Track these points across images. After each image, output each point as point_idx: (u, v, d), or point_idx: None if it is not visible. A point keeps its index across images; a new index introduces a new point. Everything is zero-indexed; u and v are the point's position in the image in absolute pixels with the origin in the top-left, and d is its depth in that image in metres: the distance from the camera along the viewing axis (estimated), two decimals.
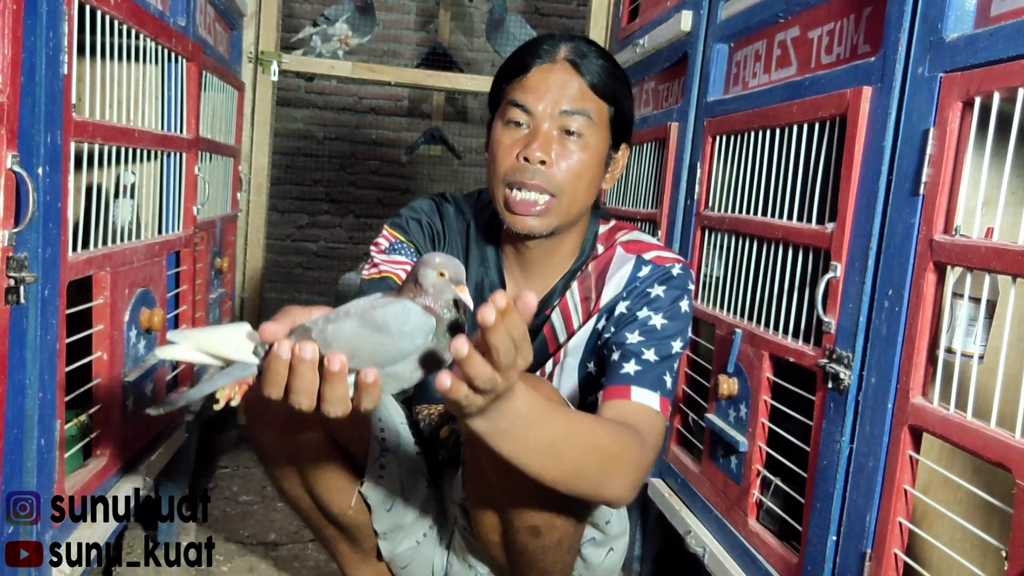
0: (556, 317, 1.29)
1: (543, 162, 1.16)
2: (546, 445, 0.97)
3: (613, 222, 1.34)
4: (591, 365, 1.29)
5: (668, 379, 1.17)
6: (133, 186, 1.59)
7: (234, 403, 0.85)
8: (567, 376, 1.30)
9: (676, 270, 1.24)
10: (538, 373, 1.31)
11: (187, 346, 0.82)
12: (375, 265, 1.24)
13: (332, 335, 0.82)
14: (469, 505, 1.22)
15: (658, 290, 1.22)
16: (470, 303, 0.87)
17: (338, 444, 1.25)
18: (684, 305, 1.22)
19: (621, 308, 1.23)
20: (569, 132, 1.18)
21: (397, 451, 1.32)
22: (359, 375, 0.81)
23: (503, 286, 1.29)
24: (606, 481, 1.03)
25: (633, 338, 1.19)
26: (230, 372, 0.83)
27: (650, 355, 1.17)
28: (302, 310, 0.87)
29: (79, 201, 1.29)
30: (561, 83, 1.18)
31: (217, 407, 0.84)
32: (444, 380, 0.80)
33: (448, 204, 1.33)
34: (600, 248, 1.30)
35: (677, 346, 1.19)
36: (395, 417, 1.37)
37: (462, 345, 0.77)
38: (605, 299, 1.26)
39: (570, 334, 1.28)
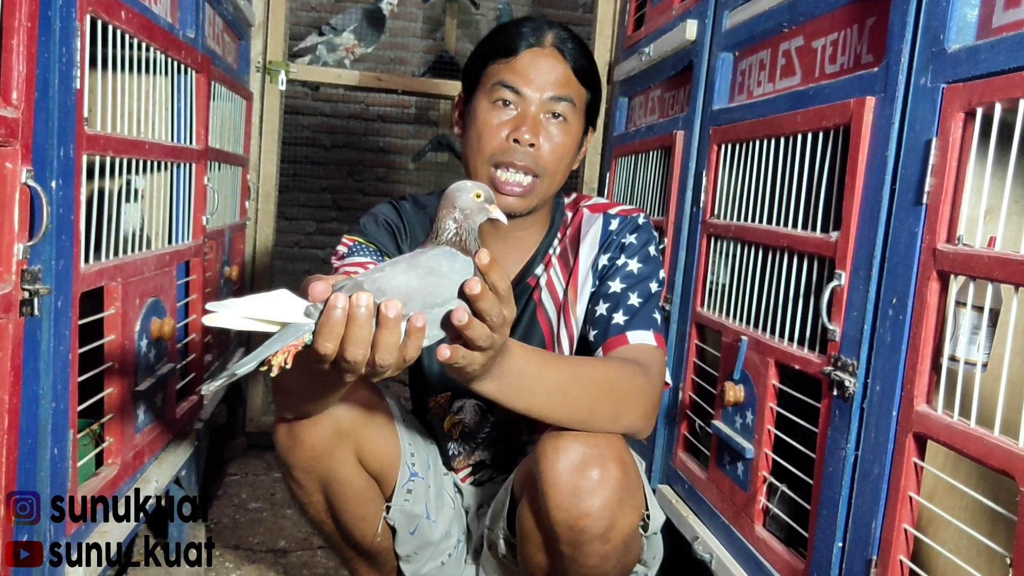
0: (545, 297, 1.33)
1: (532, 144, 1.22)
2: (555, 390, 1.04)
3: (574, 194, 1.43)
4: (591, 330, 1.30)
5: (657, 316, 1.25)
6: (139, 192, 1.61)
7: (287, 367, 0.84)
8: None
9: (641, 219, 1.33)
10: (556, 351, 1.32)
11: (233, 312, 0.81)
12: (335, 271, 1.24)
13: (385, 283, 0.85)
14: (520, 544, 1.22)
15: (630, 238, 1.31)
16: (503, 218, 0.95)
17: (366, 470, 1.27)
18: (652, 249, 1.31)
19: (603, 261, 1.31)
20: (555, 115, 1.24)
21: (426, 475, 1.33)
22: (408, 321, 0.84)
23: None
24: (620, 411, 1.10)
25: (616, 286, 1.27)
26: (281, 336, 0.83)
27: (634, 299, 1.25)
28: (327, 278, 0.88)
29: (89, 207, 1.30)
30: (549, 68, 1.24)
31: (272, 373, 0.83)
32: (443, 351, 0.87)
33: (405, 202, 1.37)
34: (569, 215, 1.38)
35: (655, 286, 1.28)
36: (424, 441, 1.39)
37: (463, 314, 0.85)
38: (583, 257, 1.32)
39: (558, 306, 1.32)
